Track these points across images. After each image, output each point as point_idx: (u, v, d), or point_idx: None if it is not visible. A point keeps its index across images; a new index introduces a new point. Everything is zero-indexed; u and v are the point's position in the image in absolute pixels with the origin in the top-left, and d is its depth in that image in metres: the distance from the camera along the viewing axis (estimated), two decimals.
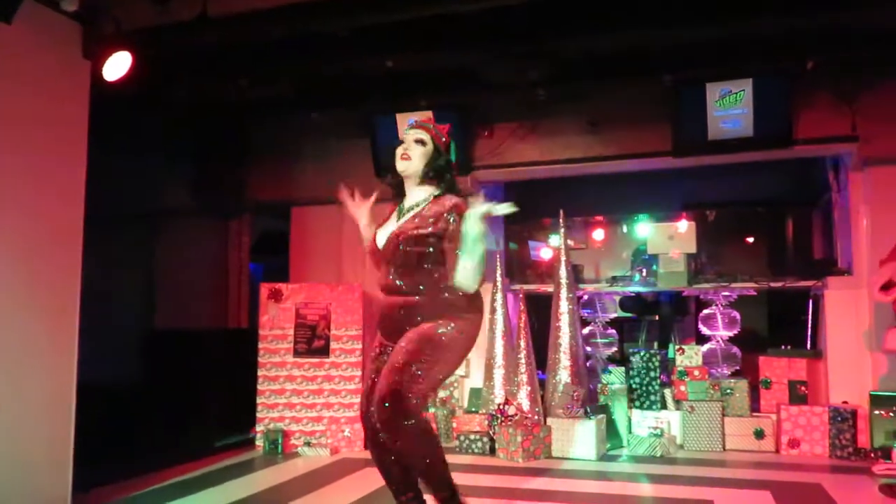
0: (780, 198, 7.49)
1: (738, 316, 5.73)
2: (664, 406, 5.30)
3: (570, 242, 5.77)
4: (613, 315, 6.33)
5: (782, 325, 6.77)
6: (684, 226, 5.83)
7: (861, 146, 5.05)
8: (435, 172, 2.83)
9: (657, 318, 7.03)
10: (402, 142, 2.86)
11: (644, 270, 6.12)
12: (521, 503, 3.64)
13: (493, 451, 4.97)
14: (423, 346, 2.64)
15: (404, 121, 5.75)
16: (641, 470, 4.50)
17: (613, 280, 6.31)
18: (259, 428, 5.22)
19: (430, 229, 2.69)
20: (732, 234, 8.28)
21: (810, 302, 5.66)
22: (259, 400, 5.24)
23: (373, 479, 4.26)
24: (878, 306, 4.75)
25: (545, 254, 8.07)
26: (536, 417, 5.04)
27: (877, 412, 4.72)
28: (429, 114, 2.80)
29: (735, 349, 5.67)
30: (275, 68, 4.95)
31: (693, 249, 5.75)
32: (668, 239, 5.75)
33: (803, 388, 5.18)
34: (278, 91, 5.47)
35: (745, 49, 4.87)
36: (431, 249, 2.70)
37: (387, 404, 2.56)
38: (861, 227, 5.21)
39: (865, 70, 4.97)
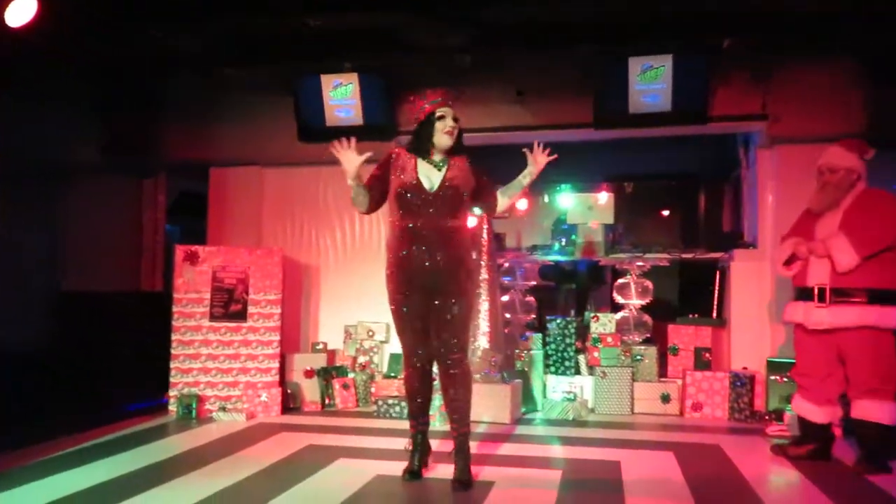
0: (694, 172, 7.76)
1: (650, 285, 5.94)
2: (578, 371, 5.48)
3: None
4: (533, 283, 6.46)
5: (692, 295, 7.06)
6: (604, 197, 5.97)
7: (770, 125, 5.27)
8: (460, 143, 3.56)
9: (575, 286, 7.22)
10: (441, 116, 3.45)
11: (564, 240, 6.26)
12: (437, 465, 3.71)
13: None
14: (470, 309, 3.60)
15: (329, 82, 5.66)
16: (554, 433, 4.66)
17: (534, 248, 6.42)
18: (172, 393, 5.11)
19: (466, 181, 3.48)
20: (648, 207, 8.54)
21: (718, 273, 5.92)
22: (173, 364, 5.13)
23: (290, 443, 4.27)
24: (780, 279, 5.01)
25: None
26: None
27: (773, 378, 5.02)
28: (440, 94, 3.52)
29: (647, 317, 5.89)
30: (192, 22, 4.75)
31: (611, 220, 5.91)
32: (587, 209, 5.89)
33: (707, 355, 5.44)
34: (196, 46, 5.26)
35: (666, 25, 4.98)
36: (465, 196, 3.49)
37: (461, 357, 3.45)
38: (767, 202, 5.46)
39: (777, 52, 5.16)
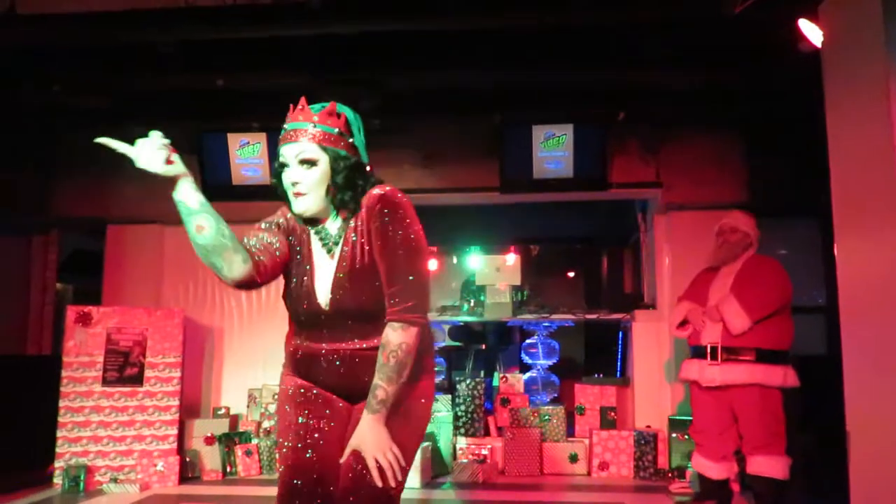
0: (597, 236, 8.06)
1: (557, 346, 6.05)
2: (487, 433, 5.46)
3: None
4: (442, 343, 6.46)
5: (596, 355, 7.24)
6: (511, 259, 6.09)
7: (663, 193, 5.57)
8: (348, 195, 2.00)
9: (483, 347, 7.27)
10: (283, 164, 1.99)
11: (472, 301, 6.32)
12: None
13: None
14: (407, 434, 1.98)
15: (236, 141, 5.59)
16: (463, 496, 4.60)
17: (443, 310, 6.45)
18: (58, 464, 4.76)
19: (367, 260, 1.98)
20: (554, 269, 8.78)
21: (620, 333, 6.10)
22: (60, 433, 4.79)
23: None
24: (677, 338, 5.22)
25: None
26: None
27: (674, 435, 5.16)
28: (302, 102, 2.02)
29: (554, 377, 5.97)
30: (91, 77, 4.63)
31: (518, 282, 6.02)
32: (495, 271, 5.99)
33: (613, 414, 5.54)
34: (94, 101, 5.12)
35: (566, 96, 5.25)
36: (377, 284, 1.97)
37: None
38: (663, 265, 5.71)
39: (668, 124, 5.51)
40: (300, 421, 2.03)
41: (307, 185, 1.95)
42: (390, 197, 1.96)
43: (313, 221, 2.06)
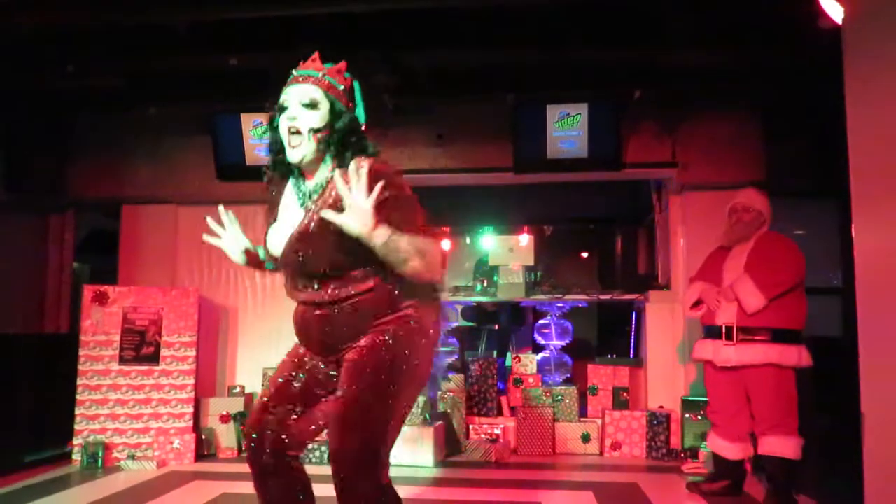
0: (611, 216, 8.02)
1: (570, 326, 6.04)
2: (500, 412, 5.49)
3: None
4: (455, 324, 6.47)
5: (610, 335, 7.23)
6: (524, 239, 6.07)
7: (679, 172, 5.52)
8: (338, 143, 2.03)
9: (496, 327, 7.28)
10: (283, 107, 2.04)
11: (485, 281, 6.32)
12: None
13: None
14: (378, 381, 1.99)
15: (249, 121, 5.59)
16: (476, 475, 4.63)
17: (456, 290, 6.45)
18: (77, 441, 4.83)
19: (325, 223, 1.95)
20: (567, 249, 8.75)
21: (634, 314, 6.08)
22: (78, 411, 4.86)
23: (203, 492, 4.09)
24: (690, 319, 5.20)
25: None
26: None
27: (687, 416, 5.16)
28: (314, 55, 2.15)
29: (567, 357, 5.97)
30: (105, 57, 4.64)
31: (531, 262, 6.02)
32: (508, 251, 5.98)
33: (625, 394, 5.55)
34: (109, 81, 5.13)
35: (581, 75, 5.19)
36: (349, 244, 1.93)
37: (349, 475, 2.03)
38: (678, 246, 5.68)
39: (684, 103, 5.45)
40: (279, 381, 2.20)
41: (304, 124, 2.00)
42: (380, 169, 1.96)
43: (298, 173, 2.12)
